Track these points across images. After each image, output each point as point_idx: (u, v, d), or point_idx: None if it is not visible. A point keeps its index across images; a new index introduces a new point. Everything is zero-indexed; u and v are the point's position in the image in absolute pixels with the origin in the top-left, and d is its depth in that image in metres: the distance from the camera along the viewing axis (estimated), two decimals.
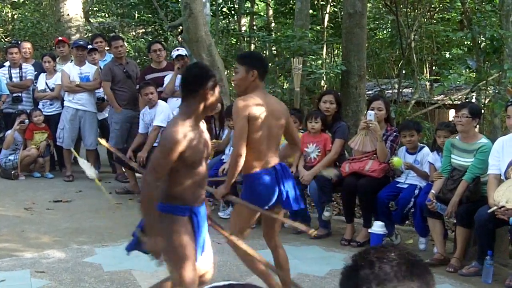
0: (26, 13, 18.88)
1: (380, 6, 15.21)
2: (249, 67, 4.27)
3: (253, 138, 4.19)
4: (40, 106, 9.70)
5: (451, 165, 5.88)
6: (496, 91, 8.80)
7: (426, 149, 6.40)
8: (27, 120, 9.30)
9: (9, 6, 19.23)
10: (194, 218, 3.64)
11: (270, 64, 15.47)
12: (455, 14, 14.38)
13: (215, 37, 12.79)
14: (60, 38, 10.46)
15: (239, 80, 4.33)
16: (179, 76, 8.63)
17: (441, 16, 14.63)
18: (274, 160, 4.34)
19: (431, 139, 8.26)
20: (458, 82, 12.44)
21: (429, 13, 13.55)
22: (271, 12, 17.54)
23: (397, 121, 8.94)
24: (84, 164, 4.78)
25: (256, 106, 4.19)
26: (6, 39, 18.22)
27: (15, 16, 19.79)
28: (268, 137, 4.27)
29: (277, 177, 4.30)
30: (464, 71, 11.70)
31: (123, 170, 8.93)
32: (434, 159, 6.20)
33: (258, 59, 4.46)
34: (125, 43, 10.03)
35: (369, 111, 6.42)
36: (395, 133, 6.51)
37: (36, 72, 9.98)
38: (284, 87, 13.08)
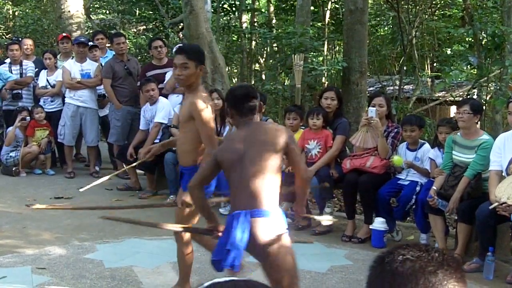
0: (27, 10, 18.88)
1: (381, 3, 15.22)
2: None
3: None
4: (41, 103, 9.71)
5: (452, 161, 5.87)
6: (498, 87, 8.79)
7: (426, 146, 6.39)
8: (28, 117, 9.30)
9: (10, 3, 19.22)
10: None
11: (271, 61, 15.50)
12: (456, 10, 14.39)
13: (216, 34, 12.78)
14: (64, 34, 10.47)
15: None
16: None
17: (442, 12, 14.62)
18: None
19: (432, 136, 8.26)
20: (459, 79, 12.42)
21: (430, 10, 13.53)
22: (272, 8, 17.52)
23: (398, 117, 8.94)
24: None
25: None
26: (7, 36, 18.22)
27: (16, 13, 19.77)
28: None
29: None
30: (465, 68, 11.70)
31: (124, 166, 8.92)
32: (435, 155, 6.19)
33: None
34: (126, 40, 10.02)
35: (370, 108, 6.42)
36: (396, 130, 6.50)
37: (37, 69, 9.98)
38: (285, 84, 13.08)
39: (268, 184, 3.63)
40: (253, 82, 16.46)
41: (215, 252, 3.71)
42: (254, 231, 3.55)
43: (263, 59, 18.04)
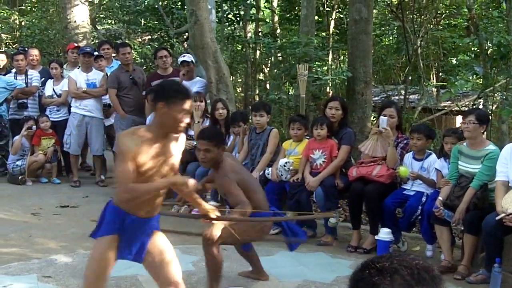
0: (34, 20, 18.95)
1: (386, 12, 15.23)
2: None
3: None
4: (47, 112, 9.75)
5: (458, 172, 5.86)
6: (504, 97, 8.79)
7: (433, 156, 6.38)
8: (34, 126, 9.33)
9: (17, 13, 19.31)
10: (126, 222, 3.67)
11: (275, 71, 15.53)
12: (461, 20, 14.40)
13: (220, 44, 12.81)
14: (75, 44, 10.55)
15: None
16: (184, 82, 8.67)
17: (447, 22, 14.63)
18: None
19: (438, 146, 8.25)
20: (465, 89, 12.43)
21: (435, 19, 13.55)
22: (276, 18, 17.56)
23: (404, 127, 8.93)
24: None
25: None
26: (13, 46, 18.30)
27: (23, 23, 19.86)
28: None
29: None
30: (471, 77, 11.69)
31: None
32: (441, 166, 6.18)
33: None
34: (132, 50, 10.06)
35: (381, 117, 6.42)
36: (405, 141, 6.51)
37: (43, 79, 10.03)
38: (289, 94, 13.09)
39: None
40: (257, 92, 16.49)
41: None
42: None
43: (268, 69, 18.08)
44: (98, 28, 18.73)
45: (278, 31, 17.32)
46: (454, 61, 14.83)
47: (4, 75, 10.03)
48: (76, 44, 10.48)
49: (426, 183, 6.25)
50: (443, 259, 5.92)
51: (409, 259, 1.58)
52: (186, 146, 7.71)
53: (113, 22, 20.38)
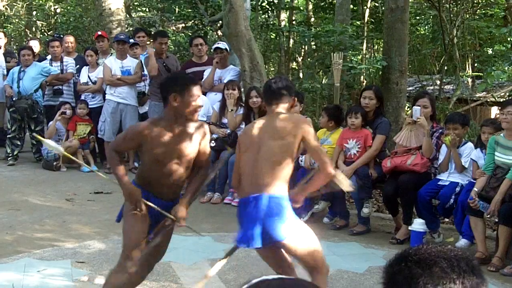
0: (69, 7, 19.10)
1: (422, 1, 15.03)
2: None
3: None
4: (82, 99, 9.84)
5: (494, 162, 5.78)
6: None
7: (469, 144, 6.30)
8: (69, 111, 9.41)
9: (52, 0, 19.50)
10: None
11: (309, 59, 15.46)
12: (498, 10, 14.13)
13: (254, 32, 12.77)
14: (99, 32, 10.57)
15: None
16: (217, 70, 8.67)
17: (484, 12, 14.37)
18: (251, 189, 3.81)
19: (473, 137, 8.15)
20: (501, 79, 12.23)
21: (471, 9, 13.34)
22: (310, 6, 17.44)
23: (439, 117, 8.82)
24: (49, 143, 4.79)
25: (246, 131, 4.21)
26: (49, 33, 18.49)
27: (58, 10, 20.06)
28: (252, 162, 3.85)
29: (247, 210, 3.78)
30: (507, 68, 11.51)
31: None
32: (477, 157, 6.10)
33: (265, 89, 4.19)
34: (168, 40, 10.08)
35: (415, 107, 6.35)
36: (440, 130, 6.44)
37: (78, 66, 10.11)
38: (323, 83, 13.02)
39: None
40: None
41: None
42: None
43: (301, 58, 17.99)
44: (133, 15, 18.82)
45: (312, 19, 17.22)
46: (490, 51, 14.58)
47: (38, 61, 10.15)
48: (99, 33, 10.49)
49: (456, 163, 6.15)
50: (477, 250, 5.85)
51: (447, 250, 1.55)
52: (220, 134, 7.77)
53: (147, 10, 20.45)
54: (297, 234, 3.75)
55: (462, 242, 6.11)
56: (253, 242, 3.70)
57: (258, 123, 4.00)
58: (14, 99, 9.62)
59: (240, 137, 4.15)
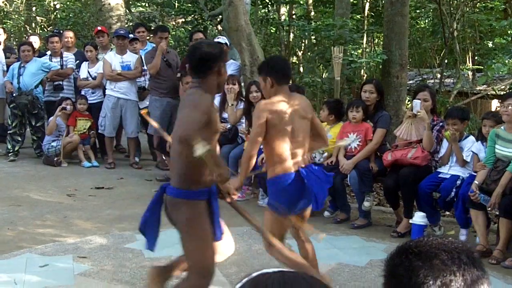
0: (68, 3, 19.09)
1: None
2: (264, 75, 4.35)
3: (274, 141, 4.22)
4: (82, 94, 9.84)
5: (495, 155, 5.78)
6: None
7: (471, 138, 6.30)
8: (69, 106, 9.41)
9: None
10: (213, 201, 3.74)
11: (309, 53, 15.43)
12: (498, 3, 14.10)
13: (254, 26, 12.76)
14: (99, 28, 10.56)
15: (263, 89, 4.52)
16: None
17: (484, 5, 14.35)
18: (298, 163, 4.29)
19: (474, 130, 8.14)
20: (501, 72, 12.22)
21: (471, 2, 13.31)
22: (310, 0, 17.40)
23: (439, 111, 8.82)
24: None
25: (276, 110, 4.24)
26: (48, 29, 18.47)
27: (57, 6, 20.03)
28: (292, 139, 4.26)
29: (301, 181, 4.25)
30: (507, 61, 11.49)
31: (164, 157, 8.99)
32: (478, 149, 6.10)
33: (271, 66, 4.41)
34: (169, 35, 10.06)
35: (415, 100, 6.35)
36: (441, 123, 6.43)
37: (78, 61, 10.11)
38: (323, 77, 13.01)
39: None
40: None
41: None
42: None
43: (301, 52, 17.97)
44: (132, 10, 18.80)
45: (312, 13, 17.17)
46: (490, 44, 14.56)
47: (38, 57, 10.14)
48: (99, 28, 10.49)
49: (457, 156, 6.15)
50: (477, 243, 5.86)
51: (448, 243, 1.55)
52: (220, 128, 7.77)
53: (147, 5, 20.42)
54: None
55: (463, 236, 6.13)
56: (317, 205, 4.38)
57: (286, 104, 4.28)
58: (14, 94, 9.61)
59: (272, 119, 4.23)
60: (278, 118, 4.20)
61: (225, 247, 3.98)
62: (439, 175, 6.27)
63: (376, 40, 16.57)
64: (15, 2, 19.39)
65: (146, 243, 3.92)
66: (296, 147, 4.28)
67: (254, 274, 1.29)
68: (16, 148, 9.69)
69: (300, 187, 4.24)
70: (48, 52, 10.31)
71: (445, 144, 6.35)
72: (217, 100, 8.21)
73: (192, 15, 15.45)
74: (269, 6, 15.96)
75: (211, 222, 3.70)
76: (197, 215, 3.64)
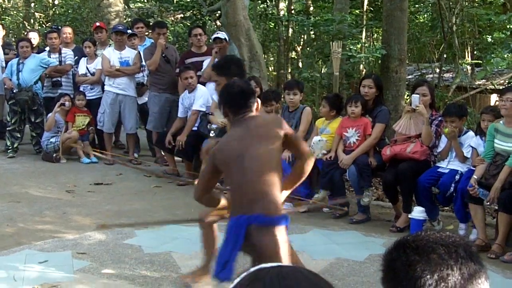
0: None
1: None
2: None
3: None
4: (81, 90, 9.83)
5: (494, 150, 5.77)
6: None
7: (470, 133, 6.29)
8: (68, 103, 9.40)
9: None
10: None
11: (308, 49, 15.43)
12: None
13: (253, 22, 12.75)
14: (97, 24, 10.55)
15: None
16: (217, 60, 8.65)
17: None
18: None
19: (473, 125, 8.14)
20: (500, 66, 12.22)
21: None
22: None
23: (438, 105, 8.82)
24: None
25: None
26: (47, 25, 18.45)
27: (56, 2, 20.01)
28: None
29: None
30: (506, 55, 11.50)
31: (163, 154, 8.99)
32: (477, 144, 6.09)
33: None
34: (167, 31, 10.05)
35: (413, 95, 6.35)
36: (440, 118, 6.43)
37: (76, 57, 10.09)
38: (322, 72, 13.01)
39: (273, 182, 3.58)
40: (290, 70, 16.42)
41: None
42: (264, 240, 3.47)
43: (300, 47, 17.97)
44: (131, 6, 18.78)
45: (311, 8, 17.18)
46: (489, 39, 14.57)
47: (37, 53, 10.13)
48: (98, 24, 10.48)
49: (457, 152, 6.15)
50: (476, 237, 5.86)
51: (445, 237, 1.55)
52: (219, 124, 7.78)
53: (145, 0, 20.42)
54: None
55: (462, 230, 6.13)
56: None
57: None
58: (15, 91, 9.59)
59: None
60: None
61: None
62: (438, 170, 6.26)
63: (375, 35, 16.57)
64: None
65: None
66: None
67: (252, 269, 1.30)
68: (15, 145, 9.68)
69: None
70: (47, 48, 10.30)
71: (444, 138, 6.34)
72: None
73: (191, 11, 15.43)
74: (267, 1, 15.96)
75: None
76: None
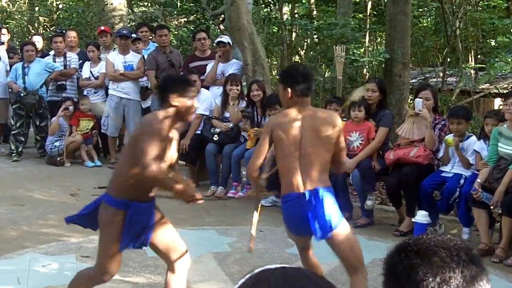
0: (71, 3, 19.14)
1: None
2: (284, 84, 4.06)
3: (280, 157, 4.03)
4: (85, 94, 9.86)
5: (497, 153, 5.78)
6: None
7: (473, 138, 6.29)
8: (72, 107, 9.42)
9: None
10: (128, 213, 3.81)
11: (312, 53, 15.44)
12: (501, 1, 14.12)
13: (256, 26, 12.76)
14: (102, 28, 10.58)
15: (281, 98, 4.30)
16: (220, 64, 8.67)
17: (486, 3, 14.35)
18: (308, 184, 3.93)
19: (476, 129, 8.14)
20: (504, 71, 12.20)
21: (474, 0, 13.31)
22: (313, 0, 17.44)
23: (441, 109, 8.82)
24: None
25: (283, 124, 3.98)
26: (51, 29, 18.50)
27: (60, 6, 20.06)
28: (301, 157, 3.93)
29: (304, 204, 3.91)
30: (510, 59, 11.47)
31: None
32: (480, 148, 6.09)
33: (291, 75, 4.08)
34: (169, 32, 10.08)
35: (417, 99, 6.36)
36: (443, 122, 6.44)
37: (80, 61, 10.12)
38: (325, 76, 13.01)
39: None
40: None
41: None
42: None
43: (304, 51, 17.97)
44: (135, 10, 18.81)
45: (315, 12, 17.20)
46: (493, 43, 14.55)
47: (42, 57, 10.16)
48: (102, 28, 10.51)
49: (461, 160, 6.16)
50: (469, 237, 5.87)
51: (447, 240, 1.56)
52: (222, 128, 7.79)
53: (149, 5, 20.44)
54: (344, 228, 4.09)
55: (465, 234, 6.12)
56: (316, 233, 3.99)
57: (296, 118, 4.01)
58: (22, 94, 9.59)
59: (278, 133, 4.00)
60: (284, 133, 3.94)
61: (181, 262, 4.08)
62: (442, 174, 6.27)
63: (379, 39, 16.56)
64: (18, 2, 19.44)
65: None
66: (305, 165, 3.94)
67: (257, 270, 1.30)
68: (19, 149, 9.70)
69: (298, 211, 3.95)
70: (52, 52, 10.33)
71: (443, 146, 6.35)
72: (218, 100, 8.22)
73: (194, 15, 15.47)
74: (271, 5, 15.97)
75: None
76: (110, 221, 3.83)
